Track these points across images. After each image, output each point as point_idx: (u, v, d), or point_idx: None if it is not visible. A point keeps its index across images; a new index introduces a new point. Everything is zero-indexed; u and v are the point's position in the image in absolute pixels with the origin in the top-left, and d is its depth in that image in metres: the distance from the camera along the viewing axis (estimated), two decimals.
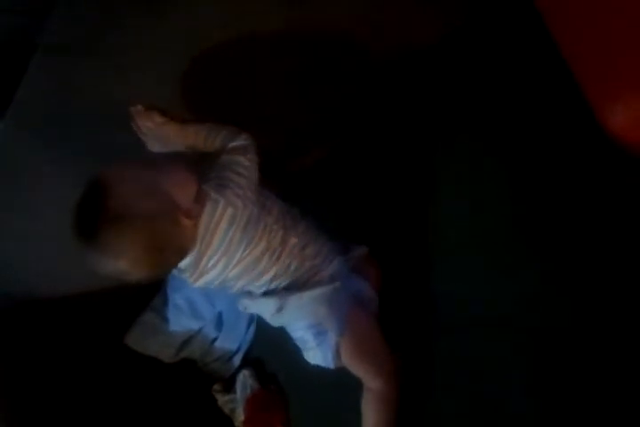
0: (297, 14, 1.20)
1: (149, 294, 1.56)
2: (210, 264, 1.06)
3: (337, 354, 1.13)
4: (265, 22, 1.19)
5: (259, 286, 1.15)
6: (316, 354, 1.15)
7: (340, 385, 1.24)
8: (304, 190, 1.39)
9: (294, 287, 1.13)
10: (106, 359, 1.47)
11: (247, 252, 1.07)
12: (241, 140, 1.06)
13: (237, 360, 1.51)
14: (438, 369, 1.14)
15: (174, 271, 1.10)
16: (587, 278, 1.00)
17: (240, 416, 1.44)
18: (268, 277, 1.12)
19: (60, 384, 1.41)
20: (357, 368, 1.14)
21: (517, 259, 1.09)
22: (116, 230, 0.92)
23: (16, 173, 1.28)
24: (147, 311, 1.55)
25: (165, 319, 1.53)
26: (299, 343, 1.19)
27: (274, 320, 1.20)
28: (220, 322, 1.53)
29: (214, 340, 1.54)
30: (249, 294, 1.18)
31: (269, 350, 1.45)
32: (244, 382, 1.46)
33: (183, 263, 1.06)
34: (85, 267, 0.94)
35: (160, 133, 1.08)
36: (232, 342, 1.52)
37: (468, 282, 1.14)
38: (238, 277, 1.12)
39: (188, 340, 1.54)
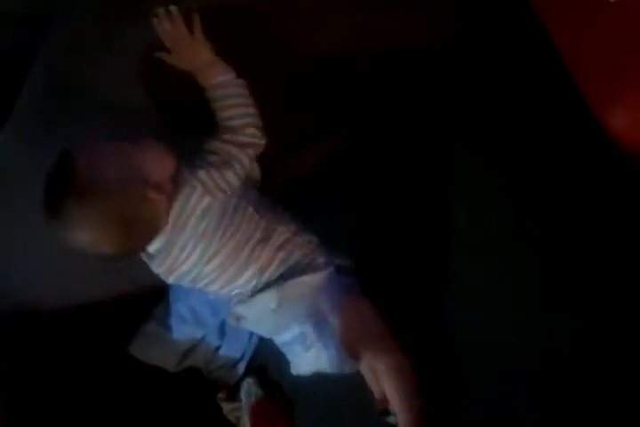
0: (296, 17, 1.20)
1: (152, 302, 1.54)
2: (183, 255, 1.05)
3: (340, 345, 1.10)
4: (265, 25, 1.19)
5: (242, 285, 1.12)
6: (318, 352, 1.11)
7: (345, 393, 1.23)
8: (310, 193, 1.39)
9: (291, 275, 1.11)
10: (110, 369, 1.46)
11: (224, 241, 1.05)
12: (256, 139, 1.05)
13: (241, 368, 1.50)
14: (438, 369, 1.14)
15: (144, 256, 1.09)
16: (588, 280, 1.00)
17: (246, 424, 1.43)
18: (250, 272, 1.10)
19: (64, 394, 1.39)
20: (366, 349, 1.11)
21: (518, 261, 1.09)
22: (85, 202, 0.93)
23: (16, 175, 1.27)
24: (149, 320, 1.54)
25: (168, 328, 1.52)
26: (296, 347, 1.16)
27: (273, 323, 1.17)
28: (223, 330, 1.52)
29: (218, 348, 1.52)
30: (239, 300, 1.15)
31: (273, 357, 1.43)
32: (249, 390, 1.45)
33: (154, 247, 1.05)
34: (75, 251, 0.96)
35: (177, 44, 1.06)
36: (236, 349, 1.51)
37: (469, 286, 1.13)
38: (215, 273, 1.09)
39: (192, 348, 1.53)
